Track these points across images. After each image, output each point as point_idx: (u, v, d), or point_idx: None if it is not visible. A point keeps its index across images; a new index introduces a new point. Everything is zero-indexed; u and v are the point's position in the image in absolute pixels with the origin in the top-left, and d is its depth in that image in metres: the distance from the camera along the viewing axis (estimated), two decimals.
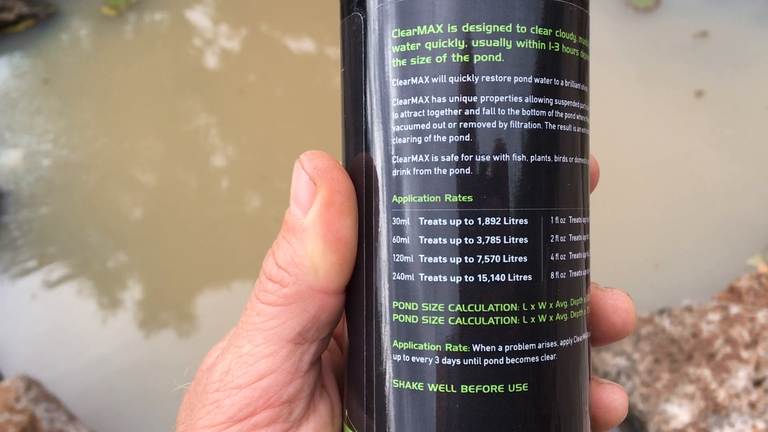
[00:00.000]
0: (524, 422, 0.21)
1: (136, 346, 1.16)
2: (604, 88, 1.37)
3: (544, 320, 0.22)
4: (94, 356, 1.13)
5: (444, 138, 0.21)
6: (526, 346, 0.22)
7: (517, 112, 0.21)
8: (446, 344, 0.21)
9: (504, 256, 0.21)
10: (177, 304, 1.22)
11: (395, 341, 0.22)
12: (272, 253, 0.24)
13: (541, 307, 0.22)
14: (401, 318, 0.22)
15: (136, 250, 1.31)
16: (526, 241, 0.22)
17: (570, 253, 0.23)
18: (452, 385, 0.21)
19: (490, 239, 0.21)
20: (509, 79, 0.21)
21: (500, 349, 0.21)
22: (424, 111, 0.22)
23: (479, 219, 0.21)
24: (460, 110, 0.21)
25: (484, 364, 0.21)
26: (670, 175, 1.28)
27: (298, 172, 0.23)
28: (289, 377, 0.23)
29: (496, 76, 0.21)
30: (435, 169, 0.21)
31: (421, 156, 0.22)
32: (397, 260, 0.22)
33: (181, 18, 1.73)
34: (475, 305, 0.21)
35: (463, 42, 0.21)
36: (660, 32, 1.51)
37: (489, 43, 0.21)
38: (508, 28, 0.21)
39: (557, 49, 0.22)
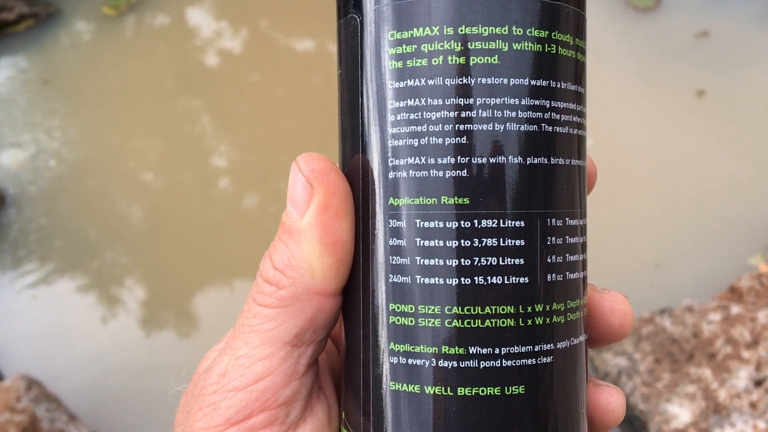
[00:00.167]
0: (521, 425, 0.21)
1: (136, 345, 1.16)
2: (604, 88, 1.37)
3: (540, 322, 0.22)
4: (94, 356, 1.13)
5: (440, 140, 0.21)
6: (523, 349, 0.21)
7: (514, 114, 0.21)
8: (443, 346, 0.21)
9: (501, 258, 0.21)
10: (177, 304, 1.22)
11: (392, 343, 0.22)
12: (269, 255, 0.24)
13: (537, 310, 0.22)
14: (398, 320, 0.22)
15: (137, 250, 1.31)
16: (523, 243, 0.22)
17: (567, 255, 0.23)
18: (449, 388, 0.21)
19: (486, 241, 0.21)
20: (505, 81, 0.21)
21: (497, 351, 0.21)
22: (420, 113, 0.22)
23: (476, 221, 0.21)
24: (456, 112, 0.21)
25: (481, 366, 0.21)
26: (671, 175, 1.28)
27: (294, 174, 0.23)
28: (286, 379, 0.23)
29: (493, 78, 0.21)
30: (431, 171, 0.21)
31: (417, 158, 0.22)
32: (393, 262, 0.22)
33: (182, 18, 1.73)
34: (472, 307, 0.21)
35: (459, 44, 0.21)
36: (660, 32, 1.51)
37: (485, 45, 0.21)
38: (505, 30, 0.21)
39: (554, 51, 0.22)
